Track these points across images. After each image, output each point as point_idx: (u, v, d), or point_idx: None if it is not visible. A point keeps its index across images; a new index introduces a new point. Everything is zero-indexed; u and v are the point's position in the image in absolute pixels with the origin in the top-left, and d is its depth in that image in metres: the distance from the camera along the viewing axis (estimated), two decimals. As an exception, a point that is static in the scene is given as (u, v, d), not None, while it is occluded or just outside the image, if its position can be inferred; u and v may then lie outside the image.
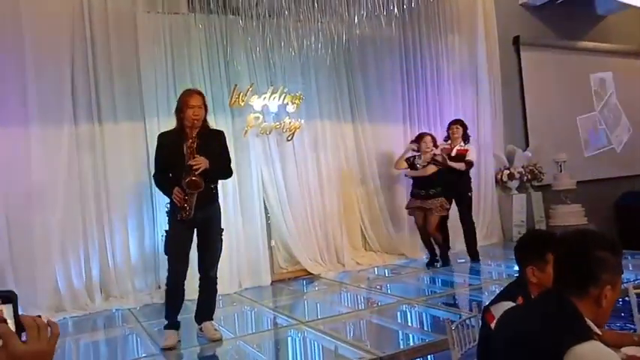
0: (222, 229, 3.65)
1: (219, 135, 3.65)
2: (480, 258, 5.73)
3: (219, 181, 3.63)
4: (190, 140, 3.41)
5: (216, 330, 3.60)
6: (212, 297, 3.64)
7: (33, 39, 4.60)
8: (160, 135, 3.69)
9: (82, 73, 4.84)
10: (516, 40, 7.70)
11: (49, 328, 0.92)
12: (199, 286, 3.62)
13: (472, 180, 6.02)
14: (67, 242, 4.68)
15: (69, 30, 4.78)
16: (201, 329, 3.64)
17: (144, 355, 3.52)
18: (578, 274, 1.45)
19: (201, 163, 3.35)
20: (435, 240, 5.69)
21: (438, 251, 5.74)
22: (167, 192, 3.51)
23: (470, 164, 5.78)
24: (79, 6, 4.83)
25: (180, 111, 3.49)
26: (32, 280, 4.47)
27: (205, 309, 3.63)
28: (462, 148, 5.81)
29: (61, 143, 4.70)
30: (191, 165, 3.34)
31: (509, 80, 7.50)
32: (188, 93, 3.57)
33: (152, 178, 3.74)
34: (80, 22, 4.83)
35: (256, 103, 5.41)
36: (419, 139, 5.74)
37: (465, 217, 5.81)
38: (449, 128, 5.95)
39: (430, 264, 5.67)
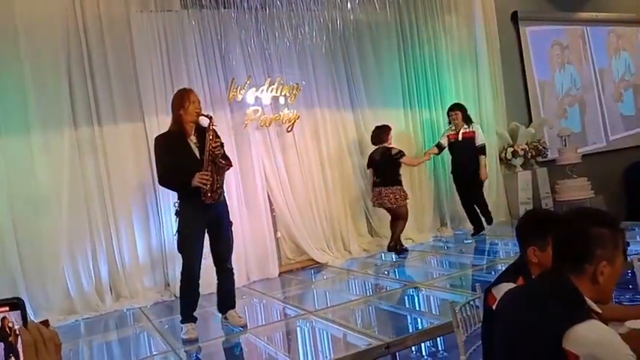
0: (232, 222, 3.76)
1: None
2: (487, 237, 5.75)
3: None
4: (210, 133, 3.51)
5: (240, 317, 3.75)
6: (232, 287, 3.80)
7: (29, 46, 4.61)
8: (159, 138, 3.68)
9: (79, 77, 4.85)
10: (514, 16, 7.60)
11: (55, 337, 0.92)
12: (218, 279, 3.75)
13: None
14: (75, 245, 4.72)
15: (64, 34, 4.78)
16: (225, 318, 3.76)
17: (155, 352, 3.56)
18: (573, 252, 1.45)
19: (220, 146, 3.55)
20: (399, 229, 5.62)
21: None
22: (184, 188, 3.51)
23: (482, 149, 5.89)
24: (71, 10, 4.83)
25: (181, 107, 3.54)
26: (42, 284, 4.54)
27: (227, 299, 3.78)
28: (467, 130, 5.90)
29: (62, 148, 4.73)
30: (216, 149, 3.48)
31: (509, 57, 7.41)
32: (186, 90, 3.69)
33: (159, 182, 3.71)
34: (74, 26, 4.83)
35: (253, 96, 5.39)
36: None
37: (478, 199, 5.92)
38: (448, 115, 6.04)
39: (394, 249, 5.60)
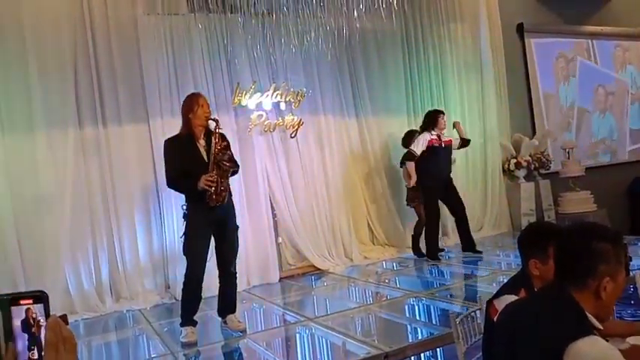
0: (238, 226, 3.79)
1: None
2: (488, 248, 5.68)
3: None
4: (216, 136, 3.57)
5: (240, 322, 3.76)
6: (233, 291, 3.81)
7: (35, 46, 4.64)
8: (169, 141, 3.71)
9: (86, 77, 4.87)
10: (520, 27, 7.61)
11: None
12: (220, 282, 3.76)
13: (476, 169, 6.13)
14: (76, 245, 4.73)
15: (71, 35, 4.81)
16: (225, 322, 3.77)
17: (154, 355, 3.56)
18: (576, 266, 1.45)
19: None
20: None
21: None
22: (192, 191, 3.54)
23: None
24: (79, 11, 4.86)
25: (190, 111, 3.59)
26: (42, 282, 4.50)
27: (228, 303, 3.78)
28: (447, 139, 5.67)
29: (66, 147, 4.75)
30: (222, 151, 3.53)
31: (514, 68, 7.42)
32: (195, 94, 3.76)
33: (167, 184, 3.71)
34: (82, 27, 4.86)
35: (257, 101, 5.41)
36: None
37: (457, 203, 5.62)
38: (438, 119, 5.59)
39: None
